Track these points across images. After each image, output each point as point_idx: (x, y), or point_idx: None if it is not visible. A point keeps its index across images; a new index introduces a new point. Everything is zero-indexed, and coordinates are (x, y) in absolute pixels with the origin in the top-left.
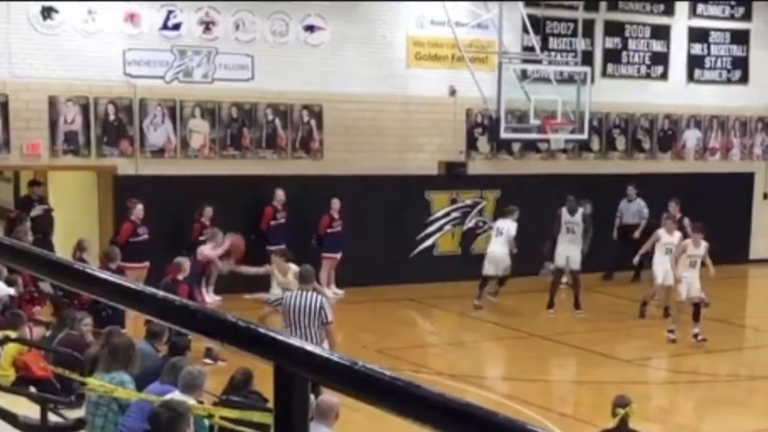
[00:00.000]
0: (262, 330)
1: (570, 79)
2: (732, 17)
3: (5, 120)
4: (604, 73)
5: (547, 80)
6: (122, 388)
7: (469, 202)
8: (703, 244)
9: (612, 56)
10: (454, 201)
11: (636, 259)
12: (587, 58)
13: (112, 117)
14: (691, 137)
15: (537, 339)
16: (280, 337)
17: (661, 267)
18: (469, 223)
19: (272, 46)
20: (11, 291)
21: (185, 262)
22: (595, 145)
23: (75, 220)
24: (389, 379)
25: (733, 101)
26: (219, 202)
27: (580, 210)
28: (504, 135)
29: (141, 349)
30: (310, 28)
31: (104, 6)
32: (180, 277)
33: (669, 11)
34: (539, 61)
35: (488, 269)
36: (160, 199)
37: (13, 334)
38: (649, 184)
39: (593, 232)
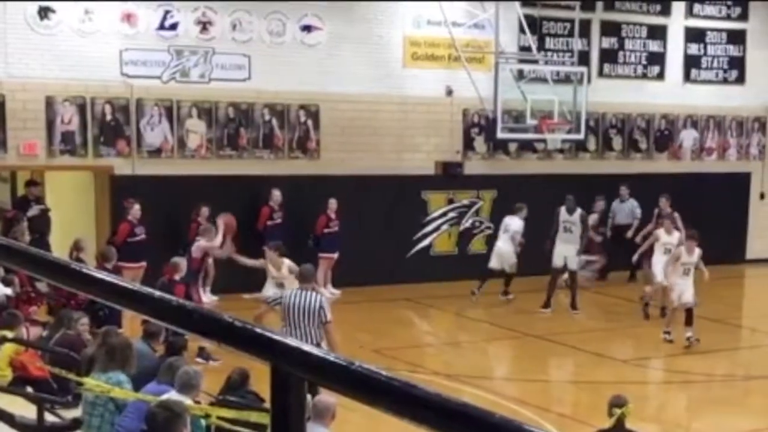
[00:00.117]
0: (258, 330)
1: (567, 79)
2: (728, 17)
3: (2, 120)
4: (600, 73)
5: (543, 80)
6: (119, 388)
7: (465, 202)
8: (697, 252)
9: (608, 56)
10: (450, 201)
11: (635, 258)
12: (584, 58)
13: (109, 117)
14: (687, 137)
15: (533, 339)
16: (277, 337)
17: (661, 266)
18: (466, 223)
19: (269, 46)
20: (8, 291)
21: (182, 263)
22: (592, 145)
23: (72, 220)
24: (386, 379)
25: (729, 101)
26: (216, 202)
27: (579, 210)
28: (501, 135)
29: (138, 349)
30: (307, 28)
31: (101, 6)
32: (176, 277)
33: (665, 11)
34: (536, 61)
35: (493, 262)
36: (156, 199)
37: (9, 334)
38: (645, 185)
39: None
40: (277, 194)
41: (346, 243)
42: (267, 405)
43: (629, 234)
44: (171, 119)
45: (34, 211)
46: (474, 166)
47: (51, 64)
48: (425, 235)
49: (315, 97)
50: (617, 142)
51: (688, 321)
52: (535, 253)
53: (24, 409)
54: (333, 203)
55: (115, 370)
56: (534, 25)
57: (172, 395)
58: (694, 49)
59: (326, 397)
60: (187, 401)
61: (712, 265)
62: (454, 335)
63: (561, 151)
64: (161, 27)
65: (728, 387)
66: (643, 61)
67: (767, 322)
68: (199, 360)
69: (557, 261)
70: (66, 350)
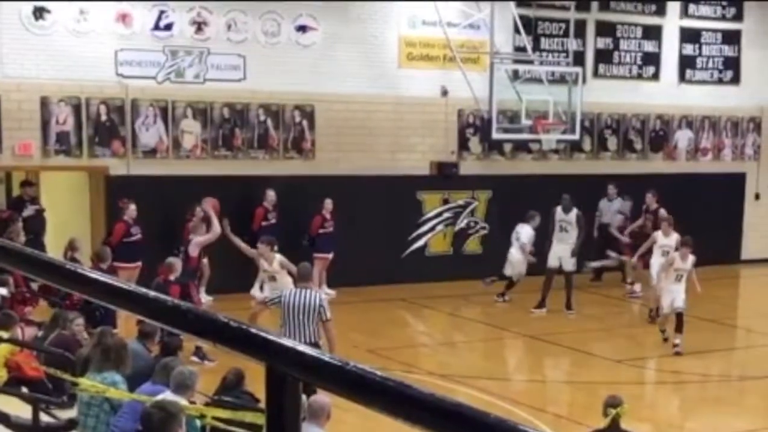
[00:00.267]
0: (253, 330)
1: (561, 80)
2: (723, 17)
3: None
4: (595, 74)
5: (538, 80)
6: (114, 388)
7: (461, 202)
8: (691, 258)
9: (603, 56)
10: (445, 201)
11: (633, 260)
12: (579, 59)
13: (103, 117)
14: (682, 138)
15: (528, 339)
16: (272, 338)
17: (657, 269)
18: (461, 224)
19: (264, 46)
20: (3, 291)
21: (177, 263)
22: (587, 145)
23: (67, 220)
24: (380, 379)
25: (724, 101)
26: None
27: (575, 209)
28: (495, 135)
29: (133, 350)
30: (302, 29)
31: (96, 6)
32: (171, 277)
33: (660, 11)
34: (531, 62)
35: (506, 268)
36: (151, 199)
37: (4, 335)
38: (640, 185)
39: (585, 233)
40: (271, 195)
41: (341, 243)
42: (262, 405)
43: (624, 233)
44: (166, 119)
45: (29, 211)
46: (469, 167)
47: (46, 65)
48: (420, 236)
49: (310, 98)
50: (612, 142)
51: (678, 327)
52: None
53: (19, 410)
54: (329, 203)
55: (110, 371)
56: (529, 25)
57: (167, 395)
58: (689, 49)
59: (321, 397)
60: (182, 401)
61: (707, 265)
62: (449, 335)
63: (556, 151)
64: (156, 27)
65: (723, 387)
66: (638, 62)
67: (762, 323)
68: (194, 359)
69: (552, 261)
70: (61, 350)
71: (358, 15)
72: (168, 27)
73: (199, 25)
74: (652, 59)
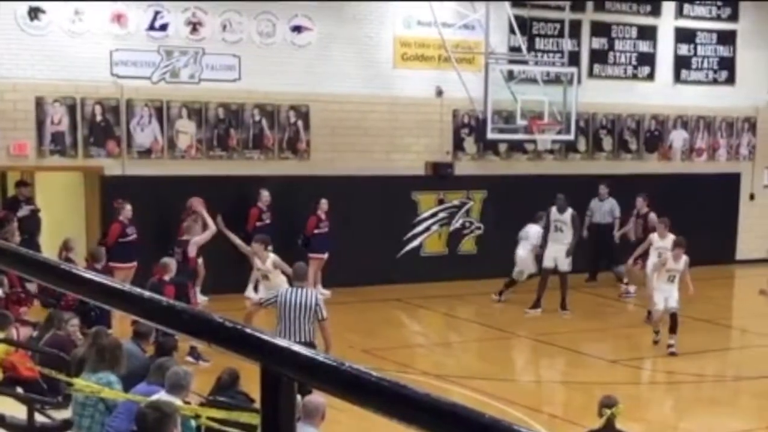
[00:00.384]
0: (248, 330)
1: (557, 80)
2: (719, 18)
3: None
4: (590, 74)
5: (533, 81)
6: (109, 388)
7: (456, 202)
8: (683, 259)
9: (598, 57)
10: (441, 201)
11: (630, 262)
12: (574, 59)
13: (99, 117)
14: (677, 138)
15: (523, 339)
16: (267, 338)
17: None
18: (456, 224)
19: (259, 46)
20: None
21: (171, 263)
22: (582, 145)
23: (62, 220)
24: (375, 379)
25: (719, 102)
26: (206, 202)
27: (570, 209)
28: (491, 135)
29: (128, 350)
30: (297, 29)
31: (91, 6)
32: (166, 277)
33: (655, 12)
34: (526, 62)
35: (514, 272)
36: (146, 199)
37: (0, 335)
38: (635, 185)
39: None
40: (265, 195)
41: (336, 243)
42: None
43: (616, 235)
44: (161, 120)
45: (24, 211)
46: (464, 167)
47: (41, 65)
48: (415, 236)
49: (305, 98)
50: (607, 142)
51: (673, 328)
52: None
53: (14, 410)
54: (324, 204)
55: (105, 371)
56: (524, 25)
57: (162, 396)
58: (684, 49)
59: (316, 397)
60: (177, 402)
61: (702, 265)
62: (444, 335)
63: (551, 151)
64: (151, 27)
65: (718, 388)
66: (633, 62)
67: (757, 323)
68: (189, 359)
69: (547, 262)
70: (56, 351)
71: (353, 15)
72: (163, 27)
73: (194, 26)
74: (647, 59)
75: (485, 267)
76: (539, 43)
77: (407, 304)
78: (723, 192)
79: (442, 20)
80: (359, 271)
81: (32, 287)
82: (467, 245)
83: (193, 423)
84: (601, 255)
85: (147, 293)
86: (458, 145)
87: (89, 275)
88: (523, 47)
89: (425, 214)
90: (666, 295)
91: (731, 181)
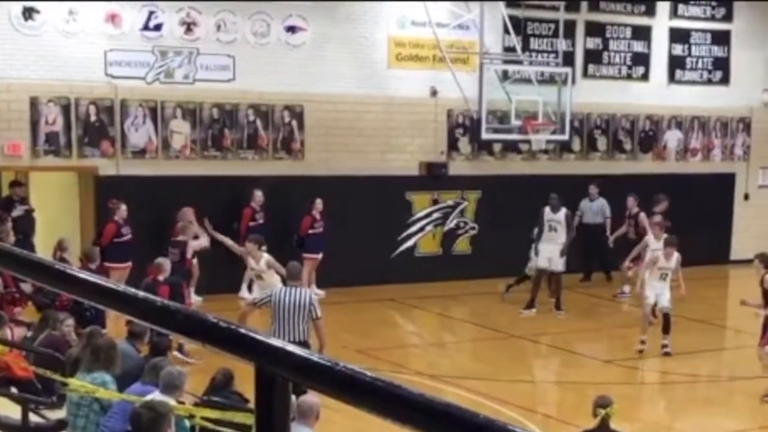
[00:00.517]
0: (243, 330)
1: (551, 80)
2: (713, 18)
3: None
4: (585, 74)
5: (528, 81)
6: (104, 388)
7: (450, 202)
8: (675, 257)
9: (593, 57)
10: (435, 202)
11: (626, 264)
12: (568, 59)
13: (93, 118)
14: (672, 138)
15: (517, 339)
16: (261, 338)
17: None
18: (451, 224)
19: (253, 46)
20: None
21: (166, 263)
22: (576, 145)
23: (56, 220)
24: (370, 379)
25: (714, 102)
26: (200, 202)
27: (563, 209)
28: (485, 136)
29: (122, 350)
30: (292, 29)
31: (85, 6)
32: (160, 277)
33: (650, 12)
34: (520, 62)
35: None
36: (140, 199)
37: None
38: (629, 185)
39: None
40: (258, 195)
41: (331, 243)
42: (251, 405)
43: (611, 238)
44: (155, 120)
45: (18, 211)
46: (458, 167)
47: (35, 65)
48: (410, 236)
49: (299, 98)
50: (602, 142)
51: (665, 328)
52: (520, 253)
53: (8, 410)
54: (319, 204)
55: (100, 371)
56: (518, 25)
57: (156, 396)
58: (678, 49)
59: (310, 397)
60: (171, 402)
61: (696, 265)
62: (438, 336)
63: (545, 151)
64: (145, 27)
65: (713, 388)
66: (628, 62)
67: (751, 323)
68: (177, 355)
69: (541, 262)
70: (51, 351)
71: (348, 15)
72: (157, 27)
73: (189, 26)
74: (642, 59)
75: (479, 267)
76: (534, 43)
77: (402, 305)
78: (718, 192)
79: (437, 20)
80: (354, 271)
81: (27, 287)
82: (461, 245)
83: (187, 423)
84: (592, 255)
85: (141, 293)
86: (453, 145)
87: (83, 275)
88: (518, 47)
89: (420, 215)
90: (657, 292)
91: (726, 182)
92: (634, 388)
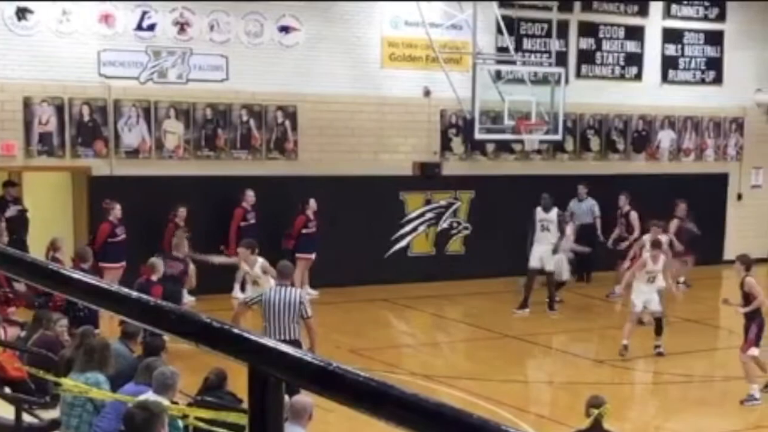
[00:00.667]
0: (236, 331)
1: (544, 80)
2: (706, 18)
3: None
4: (578, 74)
5: (521, 81)
6: (97, 388)
7: (443, 202)
8: (662, 260)
9: (586, 57)
10: (428, 202)
11: (625, 265)
12: (561, 59)
13: (86, 118)
14: (665, 138)
15: (511, 340)
16: (254, 338)
17: None
18: (444, 224)
19: (247, 46)
20: None
21: (159, 263)
22: (569, 145)
23: (50, 220)
24: (363, 379)
25: (707, 102)
26: (193, 202)
27: (555, 208)
28: (478, 136)
29: (115, 350)
30: (285, 29)
31: (79, 7)
32: (154, 277)
33: (643, 12)
34: (513, 62)
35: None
36: (134, 199)
37: None
38: (622, 185)
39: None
40: (250, 195)
41: (324, 243)
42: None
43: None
44: (149, 120)
45: (11, 211)
46: (451, 167)
47: (28, 65)
48: (403, 236)
49: (293, 98)
50: (595, 142)
51: (658, 331)
52: (513, 253)
53: (2, 410)
54: (313, 204)
55: (93, 371)
56: (511, 25)
57: (150, 396)
58: (671, 49)
59: (303, 397)
60: (165, 402)
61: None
62: (431, 336)
63: (539, 151)
64: (139, 28)
65: (706, 388)
66: (621, 62)
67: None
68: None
69: (533, 262)
70: (44, 351)
71: (341, 15)
72: (151, 27)
73: (182, 26)
74: (635, 60)
75: (473, 267)
76: (527, 44)
77: (395, 305)
78: (711, 192)
79: (430, 20)
80: (347, 271)
81: (20, 287)
82: (455, 245)
83: (180, 423)
84: (584, 255)
85: (135, 293)
86: (446, 145)
87: (77, 275)
88: (511, 47)
89: (413, 215)
90: (646, 297)
91: (719, 182)
92: (627, 388)
